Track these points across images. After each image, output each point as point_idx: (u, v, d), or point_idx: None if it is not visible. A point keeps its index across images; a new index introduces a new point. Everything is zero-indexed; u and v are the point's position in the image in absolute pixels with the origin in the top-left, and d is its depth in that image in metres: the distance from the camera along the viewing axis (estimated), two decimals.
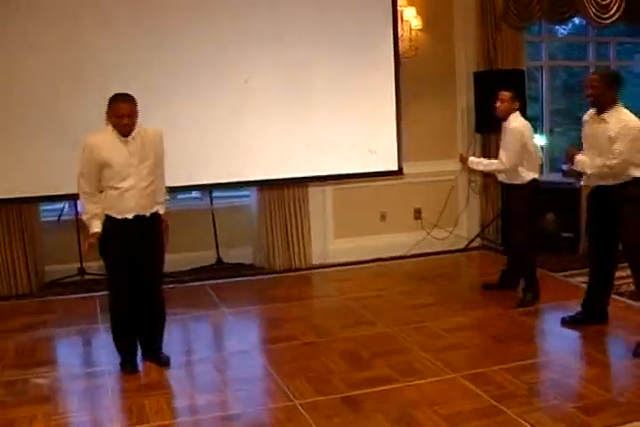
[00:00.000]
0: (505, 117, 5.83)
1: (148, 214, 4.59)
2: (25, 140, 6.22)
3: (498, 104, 5.84)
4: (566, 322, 5.29)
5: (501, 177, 6.00)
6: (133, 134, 4.44)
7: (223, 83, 6.62)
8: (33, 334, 5.49)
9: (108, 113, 4.43)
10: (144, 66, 6.36)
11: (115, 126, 4.41)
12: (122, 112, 4.36)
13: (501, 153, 5.78)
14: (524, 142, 5.71)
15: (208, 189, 7.01)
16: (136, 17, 6.34)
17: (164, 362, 4.73)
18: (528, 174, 5.77)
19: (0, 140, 6.21)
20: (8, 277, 6.56)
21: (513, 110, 5.81)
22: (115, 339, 4.71)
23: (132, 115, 4.40)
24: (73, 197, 6.11)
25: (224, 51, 6.59)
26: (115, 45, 6.29)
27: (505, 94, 5.82)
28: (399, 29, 7.16)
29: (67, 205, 6.99)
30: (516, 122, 5.78)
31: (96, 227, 4.50)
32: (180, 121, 6.43)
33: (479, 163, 6.05)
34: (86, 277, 6.78)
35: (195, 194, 7.48)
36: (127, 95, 4.42)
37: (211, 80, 6.57)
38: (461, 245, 7.96)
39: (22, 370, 4.71)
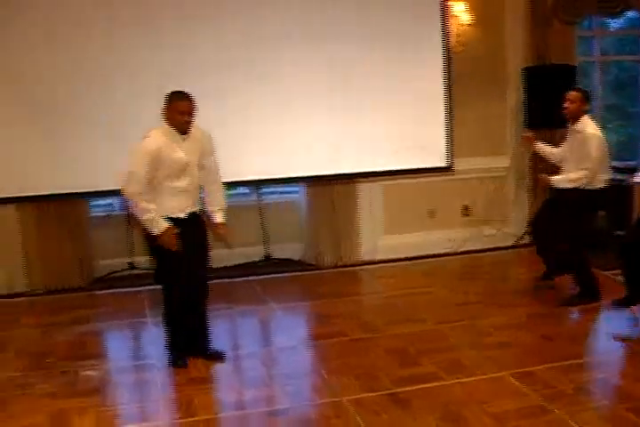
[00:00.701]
0: (573, 119, 5.64)
1: (197, 211, 4.65)
2: (75, 136, 6.30)
3: (566, 105, 5.61)
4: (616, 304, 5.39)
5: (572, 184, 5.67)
6: (190, 133, 4.48)
7: (271, 80, 6.63)
8: (83, 327, 5.58)
9: (168, 110, 4.43)
10: (195, 64, 6.39)
11: (175, 123, 4.42)
12: (184, 109, 4.38)
13: (584, 162, 5.53)
14: (605, 149, 5.56)
15: (257, 185, 7.04)
16: (182, 16, 6.40)
17: (216, 356, 4.76)
18: (602, 177, 5.63)
19: (51, 137, 6.30)
20: (59, 271, 6.67)
21: (582, 112, 5.59)
22: (169, 334, 4.72)
23: (192, 112, 4.43)
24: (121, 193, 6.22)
25: (272, 49, 6.59)
26: (169, 44, 6.35)
27: (573, 95, 5.59)
28: (448, 25, 7.11)
29: (116, 201, 7.07)
30: (591, 128, 5.54)
31: (164, 223, 4.45)
32: (230, 117, 6.47)
33: (564, 180, 5.67)
34: (135, 271, 6.86)
35: (243, 190, 7.52)
36: (187, 93, 4.45)
37: (258, 77, 6.58)
38: (510, 243, 7.87)
39: (73, 362, 4.79)
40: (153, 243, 4.52)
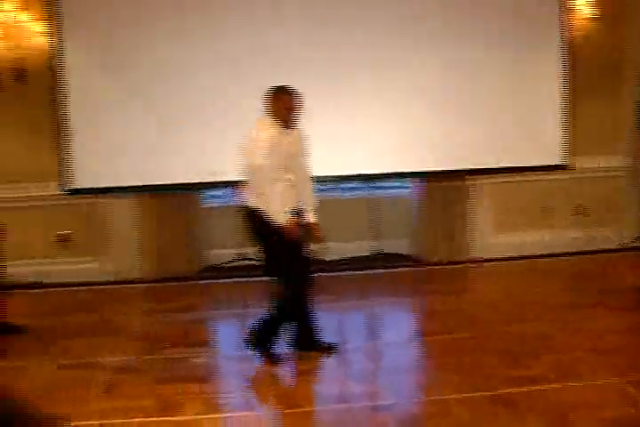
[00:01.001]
0: None
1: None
2: (192, 128, 6.44)
3: None
4: None
5: None
6: (292, 129, 4.52)
7: (390, 78, 6.62)
8: (193, 315, 5.70)
9: (276, 104, 4.48)
10: (317, 61, 6.45)
11: (282, 118, 4.46)
12: (293, 104, 4.44)
13: None
14: None
15: (368, 179, 7.02)
16: (312, 15, 6.48)
17: (328, 349, 4.75)
18: None
19: (166, 128, 6.46)
20: (172, 260, 6.83)
21: None
22: (279, 327, 4.72)
23: (300, 108, 4.48)
24: (233, 184, 6.33)
25: (385, 49, 6.57)
26: (285, 40, 6.43)
27: None
28: (567, 19, 6.91)
29: (228, 192, 7.18)
30: None
31: (288, 214, 4.52)
32: (343, 112, 6.49)
33: None
34: (245, 262, 6.95)
35: (354, 184, 7.51)
36: (294, 88, 4.50)
37: (378, 74, 6.59)
38: (624, 244, 7.59)
39: (182, 349, 4.90)
40: (270, 234, 4.55)
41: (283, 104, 4.45)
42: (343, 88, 6.52)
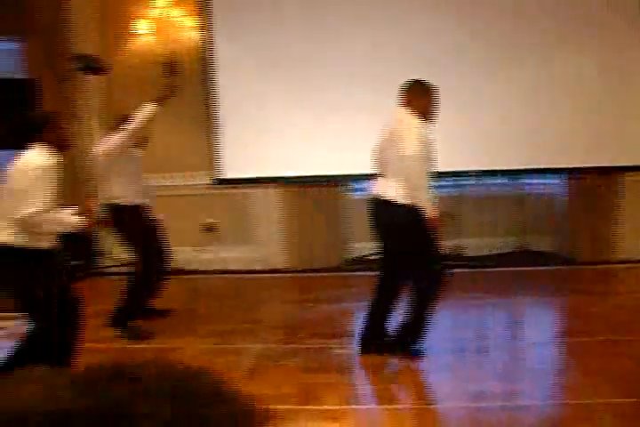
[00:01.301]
0: None
1: None
2: (338, 119, 6.52)
3: None
4: None
5: None
6: None
7: (538, 73, 6.49)
8: (335, 306, 5.77)
9: (421, 97, 4.45)
10: (461, 53, 6.38)
11: (425, 111, 4.44)
12: (436, 99, 4.45)
13: None
14: None
15: (516, 175, 6.87)
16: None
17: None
18: None
19: (314, 121, 6.57)
20: (315, 250, 6.94)
21: None
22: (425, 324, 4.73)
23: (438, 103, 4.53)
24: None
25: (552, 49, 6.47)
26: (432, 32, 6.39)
27: None
28: None
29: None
30: None
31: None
32: (488, 106, 6.40)
33: None
34: None
35: (502, 180, 7.38)
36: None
37: (526, 68, 6.46)
38: None
39: (323, 339, 4.96)
40: (411, 228, 4.52)
41: (428, 98, 4.43)
42: (488, 81, 6.41)
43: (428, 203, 4.38)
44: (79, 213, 3.92)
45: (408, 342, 4.60)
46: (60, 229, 3.88)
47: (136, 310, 5.24)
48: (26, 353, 3.97)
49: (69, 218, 3.88)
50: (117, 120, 5.22)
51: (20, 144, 3.87)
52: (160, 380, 0.70)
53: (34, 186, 3.66)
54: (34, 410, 0.65)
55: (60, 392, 0.67)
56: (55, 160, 3.79)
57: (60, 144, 3.89)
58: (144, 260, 5.23)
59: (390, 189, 4.49)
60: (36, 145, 3.79)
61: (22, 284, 3.86)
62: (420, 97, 4.47)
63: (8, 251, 3.78)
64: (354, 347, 4.80)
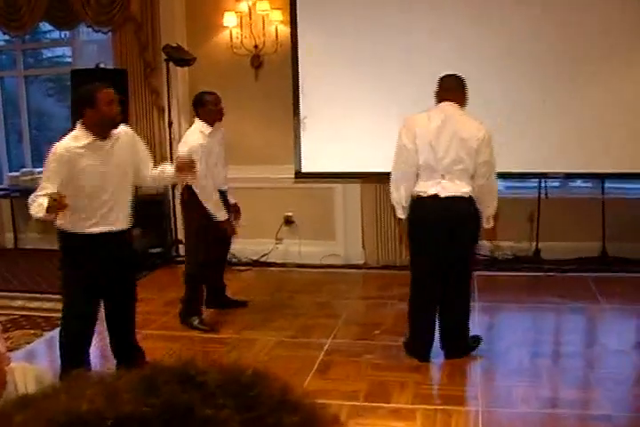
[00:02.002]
0: None
1: None
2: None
3: None
4: None
5: None
6: None
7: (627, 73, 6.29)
8: None
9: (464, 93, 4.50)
10: (553, 53, 6.26)
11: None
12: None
13: None
14: None
15: (601, 178, 6.70)
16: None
17: None
18: None
19: (396, 119, 6.53)
20: (394, 248, 6.90)
21: None
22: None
23: None
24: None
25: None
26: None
27: None
28: None
29: None
30: None
31: None
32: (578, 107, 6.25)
33: None
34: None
35: (584, 183, 7.22)
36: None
37: (610, 67, 6.28)
38: None
39: (398, 337, 4.92)
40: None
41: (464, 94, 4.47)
42: (579, 84, 6.27)
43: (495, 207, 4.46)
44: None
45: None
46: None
47: (196, 307, 5.28)
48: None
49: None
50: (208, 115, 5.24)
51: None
52: (226, 385, 0.69)
53: None
54: (95, 414, 0.65)
55: (123, 396, 0.67)
56: None
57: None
58: (193, 259, 5.28)
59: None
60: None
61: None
62: (464, 92, 4.50)
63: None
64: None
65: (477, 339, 4.61)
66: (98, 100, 3.80)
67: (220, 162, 5.28)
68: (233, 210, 5.41)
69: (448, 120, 4.32)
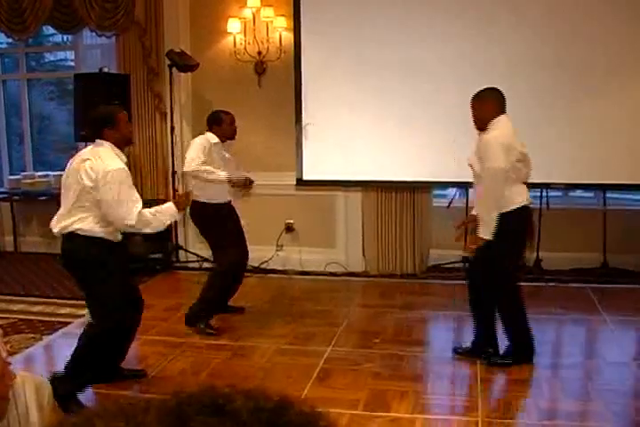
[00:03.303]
0: None
1: None
2: (432, 126, 6.48)
3: None
4: None
5: None
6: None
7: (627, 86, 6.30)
8: (412, 313, 5.72)
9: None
10: (555, 65, 6.26)
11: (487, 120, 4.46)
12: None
13: None
14: None
15: (602, 189, 6.69)
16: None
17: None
18: None
19: (398, 126, 6.55)
20: (395, 256, 6.91)
21: None
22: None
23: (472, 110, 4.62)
24: (464, 185, 6.32)
25: None
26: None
27: None
28: None
29: (458, 193, 7.14)
30: None
31: None
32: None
33: None
34: (468, 265, 6.83)
35: (586, 193, 7.22)
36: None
37: (615, 79, 6.29)
38: None
39: (398, 346, 4.93)
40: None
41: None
42: (583, 95, 6.28)
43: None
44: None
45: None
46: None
47: (212, 310, 5.30)
48: (86, 351, 4.03)
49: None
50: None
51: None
52: (257, 413, 0.67)
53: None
54: None
55: None
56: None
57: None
58: (225, 259, 5.30)
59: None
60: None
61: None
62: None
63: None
64: (428, 356, 4.77)
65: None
66: (119, 120, 4.00)
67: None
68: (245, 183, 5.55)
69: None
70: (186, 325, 5.26)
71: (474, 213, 4.58)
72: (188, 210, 5.16)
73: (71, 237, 3.94)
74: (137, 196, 3.94)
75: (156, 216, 3.98)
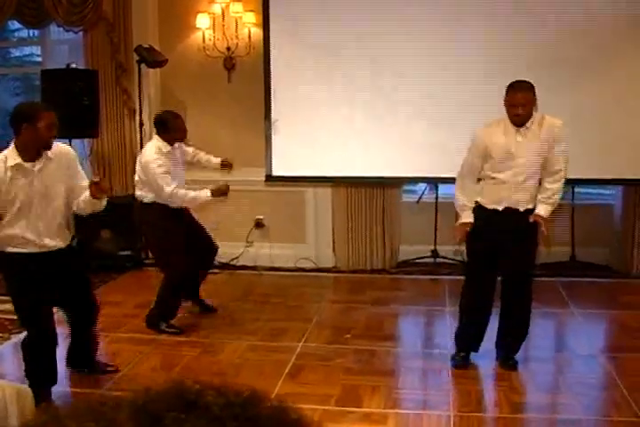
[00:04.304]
0: None
1: (521, 209, 4.35)
2: (393, 121, 6.50)
3: None
4: None
5: None
6: (528, 124, 4.18)
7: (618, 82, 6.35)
8: (382, 308, 5.74)
9: (504, 101, 4.19)
10: (540, 54, 6.29)
11: (508, 116, 4.19)
12: (515, 102, 4.10)
13: None
14: None
15: (571, 183, 6.73)
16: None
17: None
18: None
19: (368, 121, 6.55)
20: (365, 252, 6.92)
21: None
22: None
23: (527, 104, 4.11)
24: (434, 180, 6.35)
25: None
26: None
27: None
28: None
29: (427, 188, 7.17)
30: None
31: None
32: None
33: None
34: (438, 260, 6.90)
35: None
36: (525, 83, 4.16)
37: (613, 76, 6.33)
38: None
39: (369, 341, 4.95)
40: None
41: (507, 101, 4.17)
42: (554, 91, 6.31)
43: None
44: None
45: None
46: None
47: (170, 313, 5.24)
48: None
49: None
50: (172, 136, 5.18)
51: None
52: (227, 407, 0.67)
53: None
54: None
55: None
56: None
57: None
58: (175, 261, 5.16)
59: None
60: None
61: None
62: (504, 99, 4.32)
63: None
64: (399, 350, 4.79)
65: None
66: (39, 119, 3.72)
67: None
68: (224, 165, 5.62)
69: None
70: (147, 327, 5.21)
71: (469, 219, 4.44)
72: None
73: None
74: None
75: None
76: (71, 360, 4.39)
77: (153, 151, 5.06)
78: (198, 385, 0.71)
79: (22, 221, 3.82)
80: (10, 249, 3.85)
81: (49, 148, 3.82)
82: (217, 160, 5.62)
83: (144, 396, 0.69)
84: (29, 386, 3.43)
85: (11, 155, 3.75)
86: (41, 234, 3.88)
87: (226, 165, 5.64)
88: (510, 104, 4.15)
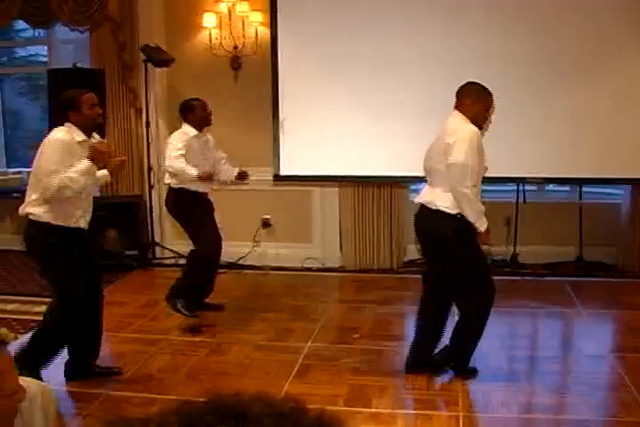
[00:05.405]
0: None
1: None
2: (408, 121, 6.47)
3: None
4: None
5: None
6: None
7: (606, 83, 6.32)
8: (389, 308, 5.73)
9: (480, 104, 4.17)
10: (515, 56, 6.27)
11: (481, 120, 4.21)
12: (491, 107, 4.22)
13: None
14: None
15: (578, 183, 6.73)
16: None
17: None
18: None
19: (375, 121, 6.54)
20: (372, 251, 6.91)
21: None
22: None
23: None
24: None
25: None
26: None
27: None
28: None
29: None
30: None
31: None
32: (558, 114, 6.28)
33: None
34: None
35: (561, 187, 7.26)
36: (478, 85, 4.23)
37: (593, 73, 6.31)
38: None
39: (376, 341, 4.94)
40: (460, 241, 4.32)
41: (481, 103, 4.16)
42: (558, 89, 6.30)
43: (475, 216, 4.14)
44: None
45: (459, 364, 4.38)
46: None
47: (191, 291, 5.27)
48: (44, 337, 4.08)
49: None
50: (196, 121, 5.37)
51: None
52: (276, 418, 0.66)
53: None
54: None
55: None
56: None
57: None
58: (201, 242, 5.32)
59: (438, 198, 4.21)
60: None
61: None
62: (473, 101, 4.17)
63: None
64: (407, 350, 4.76)
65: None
66: (81, 103, 3.98)
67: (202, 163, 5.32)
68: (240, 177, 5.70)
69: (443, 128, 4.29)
70: (165, 300, 5.25)
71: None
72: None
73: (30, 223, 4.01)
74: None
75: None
76: (70, 370, 4.30)
77: (176, 134, 5.32)
78: (237, 395, 0.70)
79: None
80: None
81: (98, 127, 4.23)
82: (234, 171, 5.66)
83: (188, 409, 0.68)
84: (22, 368, 3.47)
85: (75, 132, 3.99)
86: (86, 211, 4.17)
87: (243, 177, 5.66)
88: (489, 109, 4.19)
